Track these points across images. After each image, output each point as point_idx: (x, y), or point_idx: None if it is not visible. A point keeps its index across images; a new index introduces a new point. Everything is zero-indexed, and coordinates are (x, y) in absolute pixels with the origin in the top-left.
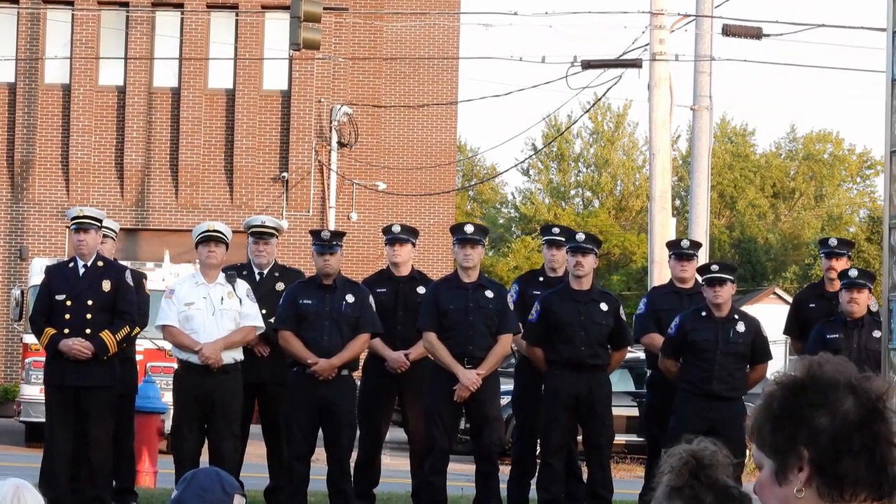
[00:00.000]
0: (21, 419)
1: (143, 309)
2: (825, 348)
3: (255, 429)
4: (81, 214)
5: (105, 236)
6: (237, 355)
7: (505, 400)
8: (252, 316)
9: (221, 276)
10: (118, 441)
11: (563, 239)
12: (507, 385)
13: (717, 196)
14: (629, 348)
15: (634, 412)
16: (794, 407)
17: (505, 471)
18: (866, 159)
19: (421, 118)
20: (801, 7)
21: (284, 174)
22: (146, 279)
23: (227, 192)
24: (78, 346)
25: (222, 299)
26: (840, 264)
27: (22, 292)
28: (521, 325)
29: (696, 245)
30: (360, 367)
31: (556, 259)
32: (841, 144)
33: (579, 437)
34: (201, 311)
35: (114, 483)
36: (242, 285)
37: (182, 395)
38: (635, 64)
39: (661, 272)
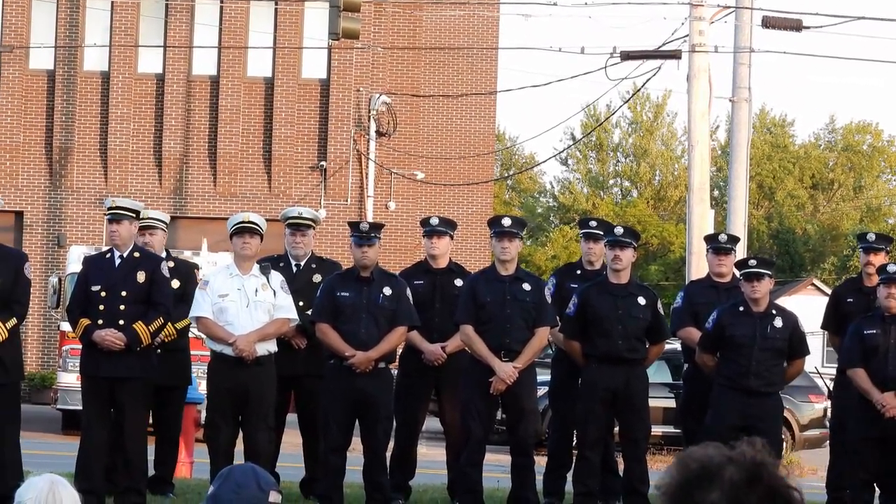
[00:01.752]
0: (58, 406)
1: (191, 300)
2: (862, 344)
3: (292, 419)
4: (115, 205)
5: (154, 228)
6: (271, 347)
7: (541, 391)
8: (286, 308)
9: (256, 267)
10: (162, 432)
11: (601, 232)
12: (543, 376)
13: (756, 186)
14: (667, 341)
15: (671, 404)
16: (686, 497)
17: (541, 462)
18: None
19: (459, 108)
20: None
21: (323, 163)
22: (198, 269)
23: (266, 180)
24: (111, 337)
25: (256, 291)
26: (878, 259)
27: (60, 280)
28: (558, 318)
29: (733, 239)
30: (397, 360)
31: (594, 252)
32: (880, 136)
33: (616, 430)
34: (235, 302)
35: (154, 472)
36: (276, 277)
37: (216, 388)
38: (674, 55)
39: (698, 264)
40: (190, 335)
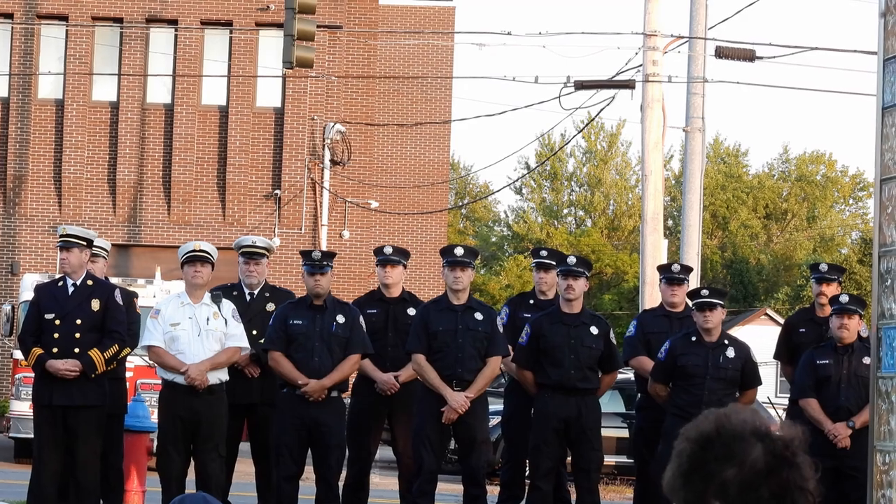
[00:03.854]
0: (10, 435)
1: (134, 329)
2: (815, 374)
3: (245, 447)
4: (66, 233)
5: (96, 255)
6: (223, 376)
7: (494, 420)
8: (237, 336)
9: (207, 296)
10: (107, 460)
11: (553, 262)
12: (496, 406)
13: (710, 216)
14: (619, 371)
15: (624, 433)
16: (703, 461)
17: (493, 492)
18: (859, 181)
19: (414, 137)
20: (794, 30)
21: (277, 192)
22: (137, 298)
23: (220, 208)
24: (64, 368)
25: (208, 320)
26: (831, 290)
27: (13, 307)
28: (510, 347)
29: (686, 269)
30: (350, 388)
31: (546, 282)
32: (833, 166)
33: (568, 460)
34: (187, 331)
35: (101, 502)
36: (228, 305)
37: (167, 416)
38: (628, 85)
39: (652, 293)
40: (141, 363)
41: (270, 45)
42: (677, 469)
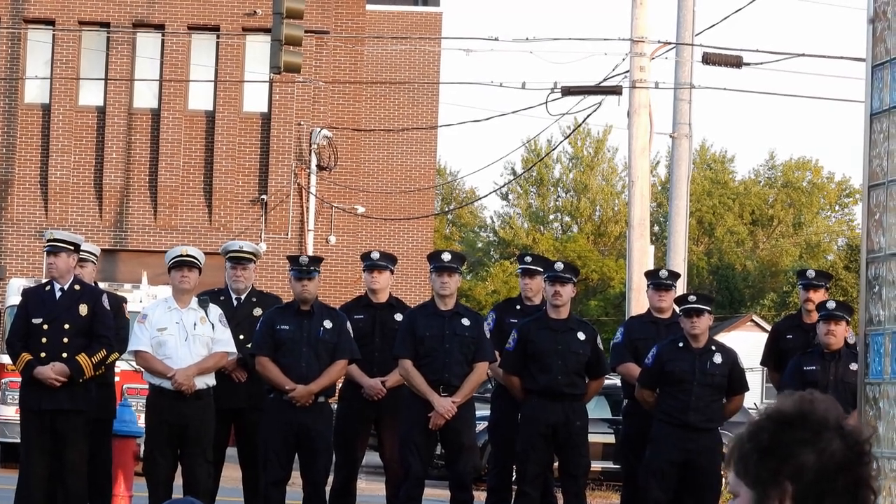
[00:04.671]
0: None
1: (122, 334)
2: (802, 380)
3: (232, 452)
4: (53, 238)
5: (85, 260)
6: (210, 381)
7: (481, 426)
8: (224, 341)
9: (194, 301)
10: (94, 465)
11: (537, 268)
12: (483, 411)
13: (696, 222)
14: (606, 376)
15: (611, 439)
16: (783, 441)
17: (480, 497)
18: (845, 187)
19: (400, 142)
20: (782, 36)
21: (263, 196)
22: (126, 303)
23: (206, 213)
24: (52, 376)
25: (195, 325)
26: (818, 296)
27: None
28: (497, 353)
29: (674, 275)
30: (337, 394)
31: (531, 287)
32: (820, 172)
33: (555, 466)
34: (174, 336)
35: None
36: (215, 310)
37: (154, 421)
38: (615, 91)
39: (638, 299)
40: (128, 368)
41: (257, 50)
42: (754, 444)
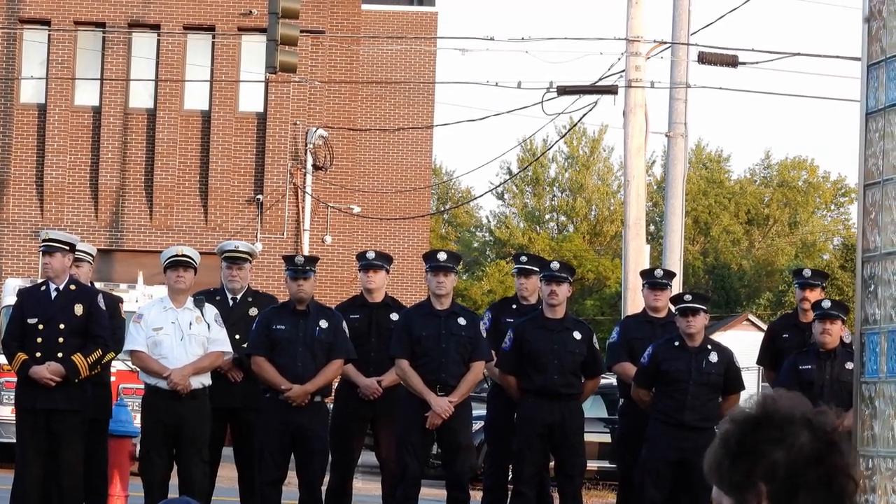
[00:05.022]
0: None
1: (119, 334)
2: (798, 379)
3: (228, 452)
4: (48, 238)
5: (81, 260)
6: (205, 380)
7: (477, 426)
8: (220, 341)
9: (190, 300)
10: (90, 465)
11: (532, 267)
12: (479, 411)
13: (692, 222)
14: (602, 376)
15: (607, 438)
16: (751, 443)
17: (476, 497)
18: (840, 187)
19: (396, 142)
20: (777, 36)
21: (259, 196)
22: (122, 303)
23: (202, 213)
24: (48, 376)
25: (190, 324)
26: (814, 295)
27: None
28: (494, 352)
29: (669, 274)
30: (333, 393)
31: (526, 287)
32: (815, 172)
33: (551, 465)
34: (170, 336)
35: None
36: (210, 310)
37: (150, 421)
38: (611, 90)
39: (634, 299)
40: (124, 368)
41: (253, 50)
42: (725, 451)
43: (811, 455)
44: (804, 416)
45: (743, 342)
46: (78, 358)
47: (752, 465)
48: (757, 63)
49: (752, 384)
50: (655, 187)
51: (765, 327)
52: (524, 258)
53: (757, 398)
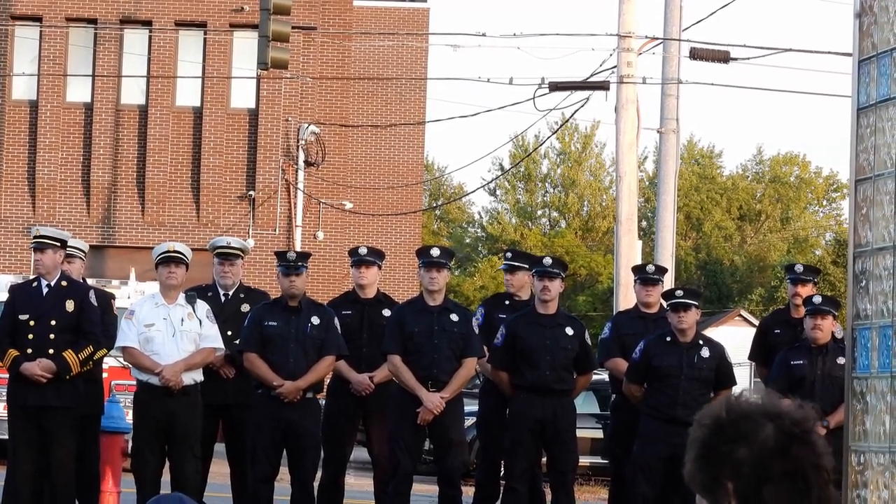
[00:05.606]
0: None
1: (111, 330)
2: (789, 374)
3: (220, 448)
4: (39, 234)
5: (73, 256)
6: (197, 377)
7: (469, 421)
8: (212, 337)
9: (182, 297)
10: (82, 461)
11: (518, 264)
12: (471, 407)
13: (684, 218)
14: (594, 371)
15: (599, 434)
16: (716, 443)
17: (468, 493)
18: (832, 182)
19: (388, 138)
20: (769, 31)
21: (251, 192)
22: (114, 299)
23: (194, 209)
24: (39, 373)
25: (182, 320)
26: (806, 291)
27: None
28: (486, 348)
29: (661, 270)
30: (325, 390)
31: (513, 284)
32: (807, 167)
33: (543, 461)
34: (161, 332)
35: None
36: (202, 306)
37: (142, 417)
38: (603, 86)
39: (626, 295)
40: (116, 364)
41: (245, 46)
42: (693, 456)
43: (775, 448)
44: (768, 411)
45: (735, 338)
46: (69, 354)
47: (719, 465)
48: (748, 59)
49: (744, 380)
50: (647, 183)
51: (757, 323)
52: (509, 255)
53: (722, 399)
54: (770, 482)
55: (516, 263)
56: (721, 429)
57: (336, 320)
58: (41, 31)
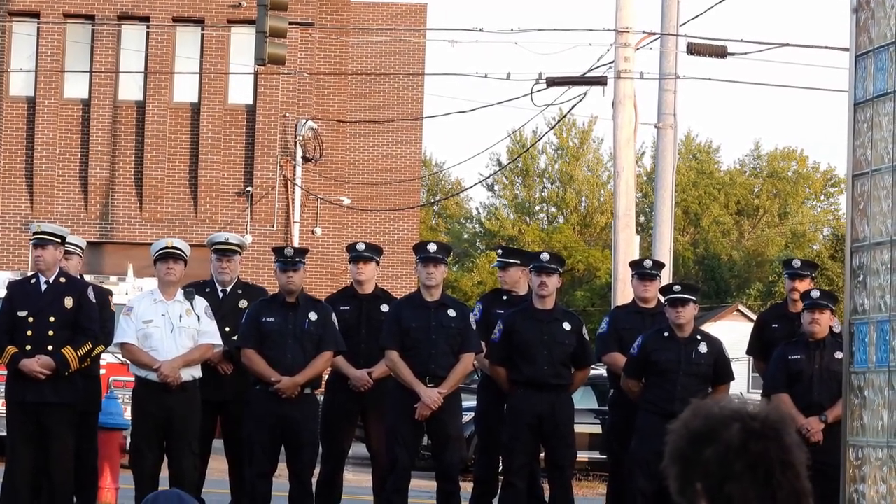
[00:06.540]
0: None
1: (108, 326)
2: (787, 369)
3: (219, 444)
4: (39, 230)
5: (71, 253)
6: (195, 373)
7: (467, 417)
8: (210, 333)
9: (180, 293)
10: (81, 458)
11: (509, 260)
12: (469, 402)
13: (682, 213)
14: (592, 367)
15: (597, 429)
16: (685, 447)
17: (467, 489)
18: (830, 177)
19: (386, 133)
20: (766, 26)
21: (249, 188)
22: (112, 296)
23: (192, 206)
24: (37, 369)
25: (181, 317)
26: (804, 285)
27: None
28: (483, 344)
29: (658, 265)
30: (323, 385)
31: (505, 280)
32: (805, 162)
33: (542, 456)
34: (160, 328)
35: (75, 500)
36: (201, 302)
37: (140, 413)
38: (600, 81)
39: (624, 290)
40: (114, 361)
41: (242, 42)
42: (669, 461)
43: (738, 445)
44: (736, 412)
45: (733, 333)
46: (68, 351)
47: (689, 469)
48: (746, 54)
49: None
50: (645, 178)
51: (754, 318)
52: (500, 251)
53: (691, 405)
54: (732, 479)
55: (508, 260)
56: (689, 433)
57: (334, 316)
58: (39, 28)
